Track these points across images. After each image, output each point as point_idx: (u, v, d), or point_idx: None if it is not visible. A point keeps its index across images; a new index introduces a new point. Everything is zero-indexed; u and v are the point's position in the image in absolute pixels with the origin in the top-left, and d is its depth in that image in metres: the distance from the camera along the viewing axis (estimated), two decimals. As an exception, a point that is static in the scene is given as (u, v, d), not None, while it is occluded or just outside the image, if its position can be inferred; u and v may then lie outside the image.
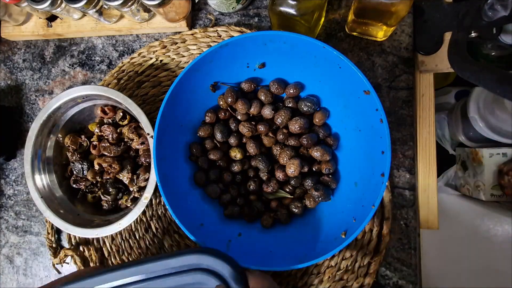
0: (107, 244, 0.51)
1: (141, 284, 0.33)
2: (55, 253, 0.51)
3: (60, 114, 0.47)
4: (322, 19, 0.46)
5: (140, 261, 0.35)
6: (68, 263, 0.51)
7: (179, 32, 0.52)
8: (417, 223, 0.47)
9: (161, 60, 0.51)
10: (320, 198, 0.40)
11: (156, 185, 0.39)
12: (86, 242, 0.52)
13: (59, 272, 0.51)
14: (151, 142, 0.42)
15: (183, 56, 0.51)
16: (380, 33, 0.45)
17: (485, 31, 0.45)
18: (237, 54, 0.39)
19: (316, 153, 0.40)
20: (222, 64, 0.40)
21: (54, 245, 0.51)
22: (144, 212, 0.50)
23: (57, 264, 0.50)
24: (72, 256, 0.50)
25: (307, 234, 0.40)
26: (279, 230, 0.42)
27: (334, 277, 0.45)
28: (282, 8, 0.39)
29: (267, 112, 0.42)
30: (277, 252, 0.39)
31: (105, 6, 0.47)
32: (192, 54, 0.51)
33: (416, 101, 0.49)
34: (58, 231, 0.53)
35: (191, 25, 0.52)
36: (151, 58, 0.51)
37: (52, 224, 0.52)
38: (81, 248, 0.51)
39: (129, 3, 0.44)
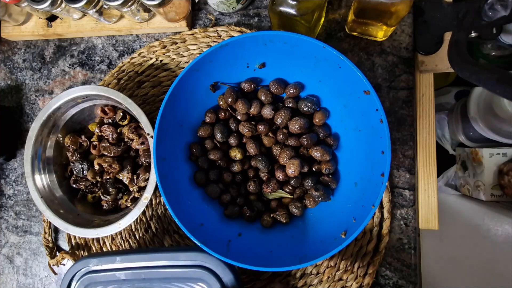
0: (107, 244, 0.51)
1: (154, 270, 0.38)
2: (51, 253, 0.51)
3: (60, 114, 0.47)
4: (322, 19, 0.46)
5: (153, 249, 0.39)
6: (64, 265, 0.51)
7: (179, 32, 0.52)
8: (417, 223, 0.47)
9: (161, 60, 0.51)
10: (320, 198, 0.40)
11: (156, 185, 0.39)
12: (86, 242, 0.52)
13: (55, 273, 0.51)
14: (151, 142, 0.42)
15: (183, 56, 0.51)
16: (380, 33, 0.45)
17: (485, 31, 0.45)
18: (237, 54, 0.39)
19: (316, 153, 0.40)
20: (222, 64, 0.40)
21: (50, 245, 0.51)
22: (144, 212, 0.50)
23: (53, 265, 0.50)
24: (69, 259, 0.50)
25: (307, 234, 0.40)
26: (279, 230, 0.42)
27: (334, 277, 0.45)
28: (282, 8, 0.39)
29: (267, 112, 0.42)
30: (277, 252, 0.39)
31: (105, 6, 0.47)
32: (192, 54, 0.51)
33: (416, 101, 0.49)
34: (55, 231, 0.53)
35: (191, 25, 0.52)
36: (151, 58, 0.51)
37: (50, 224, 0.52)
38: (80, 249, 0.52)
39: (129, 3, 0.44)
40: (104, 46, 0.54)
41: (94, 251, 0.51)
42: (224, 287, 0.37)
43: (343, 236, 0.36)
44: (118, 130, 0.47)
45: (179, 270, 0.38)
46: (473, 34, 0.46)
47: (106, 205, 0.49)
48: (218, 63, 0.40)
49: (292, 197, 0.43)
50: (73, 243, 0.51)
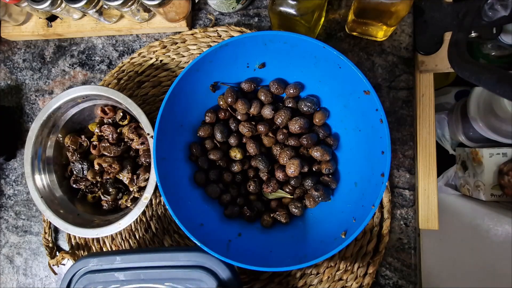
0: (107, 244, 0.51)
1: (153, 270, 0.38)
2: (51, 253, 0.51)
3: (60, 114, 0.47)
4: (322, 19, 0.46)
5: (152, 249, 0.39)
6: (64, 265, 0.51)
7: (179, 32, 0.52)
8: (417, 223, 0.47)
9: (161, 60, 0.51)
10: (320, 198, 0.40)
11: (156, 185, 0.39)
12: (86, 242, 0.52)
13: (55, 273, 0.51)
14: (151, 142, 0.42)
15: (183, 56, 0.51)
16: (380, 33, 0.45)
17: (485, 31, 0.45)
18: (237, 54, 0.39)
19: (316, 153, 0.40)
20: (222, 64, 0.40)
21: (50, 245, 0.51)
22: (144, 212, 0.50)
23: (53, 265, 0.50)
24: (69, 259, 0.50)
25: (307, 234, 0.40)
26: (279, 230, 0.42)
27: (334, 277, 0.45)
28: (282, 8, 0.39)
29: (267, 112, 0.42)
30: (277, 252, 0.39)
31: (105, 6, 0.47)
32: (192, 54, 0.51)
33: (416, 101, 0.49)
34: (55, 231, 0.53)
35: (191, 25, 0.52)
36: (151, 58, 0.51)
37: (50, 224, 0.52)
38: (80, 249, 0.52)
39: (129, 3, 0.44)
40: (104, 46, 0.54)
41: (94, 251, 0.51)
42: (223, 284, 0.37)
43: (343, 236, 0.36)
44: (118, 130, 0.47)
45: (178, 270, 0.38)
46: (473, 34, 0.46)
47: (106, 205, 0.49)
48: (218, 63, 0.40)
49: (292, 197, 0.43)
50: (73, 243, 0.52)
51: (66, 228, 0.44)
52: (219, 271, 0.37)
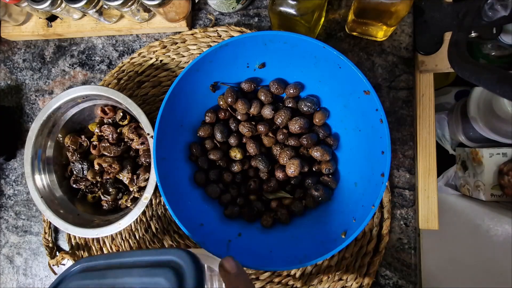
0: (107, 244, 0.51)
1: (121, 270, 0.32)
2: (51, 253, 0.51)
3: (60, 114, 0.47)
4: (322, 19, 0.46)
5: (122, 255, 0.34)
6: (64, 265, 0.51)
7: (179, 32, 0.52)
8: (417, 223, 0.47)
9: (161, 60, 0.51)
10: (320, 198, 0.40)
11: (156, 185, 0.39)
12: (86, 242, 0.52)
13: (55, 273, 0.51)
14: (151, 142, 0.42)
15: (183, 56, 0.51)
16: (380, 33, 0.45)
17: (485, 31, 0.45)
18: (237, 54, 0.39)
19: (316, 153, 0.40)
20: (222, 64, 0.40)
21: (50, 245, 0.51)
22: (144, 212, 0.50)
23: (53, 265, 0.50)
24: (69, 259, 0.50)
25: (307, 234, 0.40)
26: (279, 230, 0.42)
27: (334, 277, 0.45)
28: (282, 8, 0.39)
29: (267, 112, 0.42)
30: (277, 252, 0.39)
31: (105, 6, 0.47)
32: (192, 54, 0.51)
33: (416, 101, 0.49)
34: (55, 231, 0.53)
35: (191, 25, 0.52)
36: (151, 58, 0.51)
37: (50, 224, 0.52)
38: (80, 249, 0.51)
39: (129, 3, 0.44)
40: (104, 46, 0.54)
41: (94, 251, 0.51)
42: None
43: (343, 236, 0.36)
44: (118, 130, 0.47)
45: (146, 269, 0.33)
46: (473, 34, 0.46)
47: (106, 205, 0.49)
48: (218, 63, 0.40)
49: (292, 197, 0.43)
50: (73, 243, 0.51)
51: (66, 228, 0.44)
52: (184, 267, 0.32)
